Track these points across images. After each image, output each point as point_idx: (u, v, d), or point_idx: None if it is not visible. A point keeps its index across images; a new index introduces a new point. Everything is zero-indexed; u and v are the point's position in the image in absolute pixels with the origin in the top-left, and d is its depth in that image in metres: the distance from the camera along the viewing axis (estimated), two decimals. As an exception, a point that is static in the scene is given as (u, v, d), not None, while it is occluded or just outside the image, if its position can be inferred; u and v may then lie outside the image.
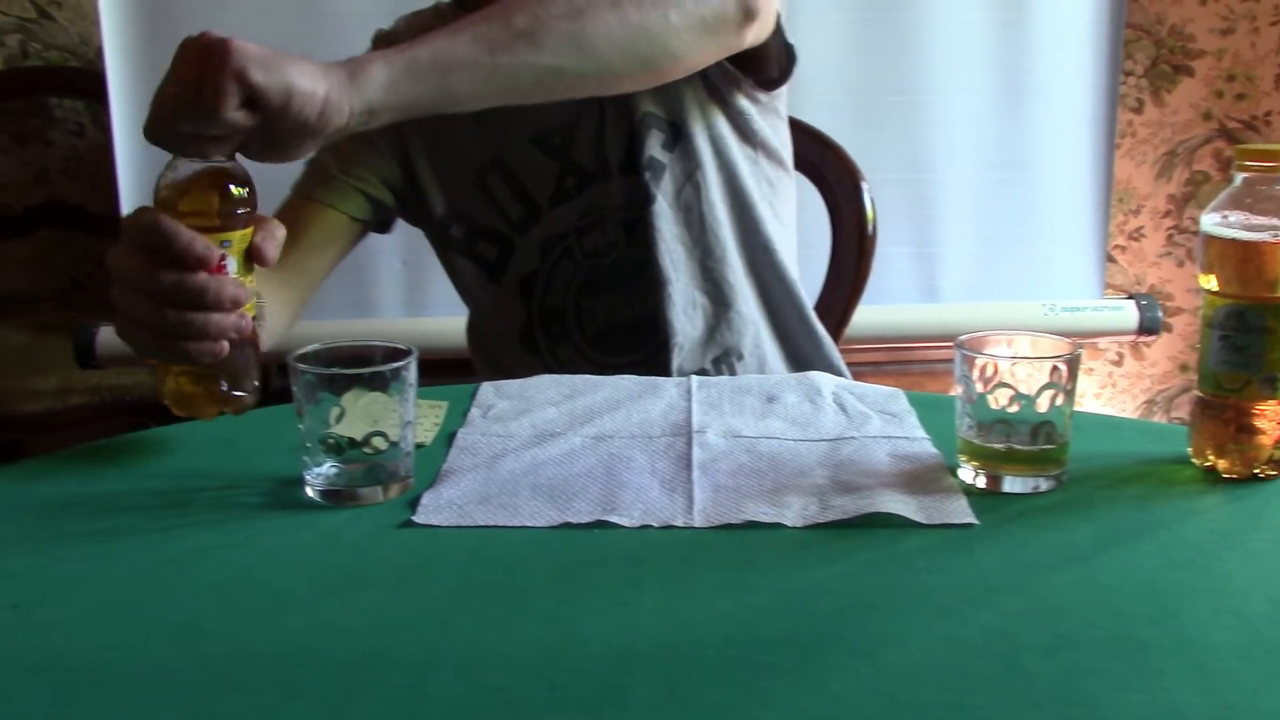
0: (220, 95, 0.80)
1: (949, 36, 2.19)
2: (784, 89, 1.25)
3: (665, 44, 1.02)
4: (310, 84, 0.84)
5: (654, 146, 1.18)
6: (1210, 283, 0.85)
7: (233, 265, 0.85)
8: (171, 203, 0.84)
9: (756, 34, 1.09)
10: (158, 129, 0.84)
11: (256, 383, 0.91)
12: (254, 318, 0.88)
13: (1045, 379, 0.82)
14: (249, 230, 0.86)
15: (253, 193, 0.86)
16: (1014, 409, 0.83)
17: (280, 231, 0.89)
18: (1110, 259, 2.48)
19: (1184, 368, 2.72)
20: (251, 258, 0.87)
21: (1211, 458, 0.86)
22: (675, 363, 1.20)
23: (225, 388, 0.89)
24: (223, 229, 0.85)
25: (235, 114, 0.82)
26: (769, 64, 1.18)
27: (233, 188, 0.85)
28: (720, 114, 1.21)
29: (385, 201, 1.24)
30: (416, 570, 0.73)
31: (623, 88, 1.09)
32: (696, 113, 1.19)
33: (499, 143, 1.23)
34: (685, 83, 1.18)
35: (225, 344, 0.85)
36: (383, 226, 1.28)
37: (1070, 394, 0.83)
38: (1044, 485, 0.84)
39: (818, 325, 1.29)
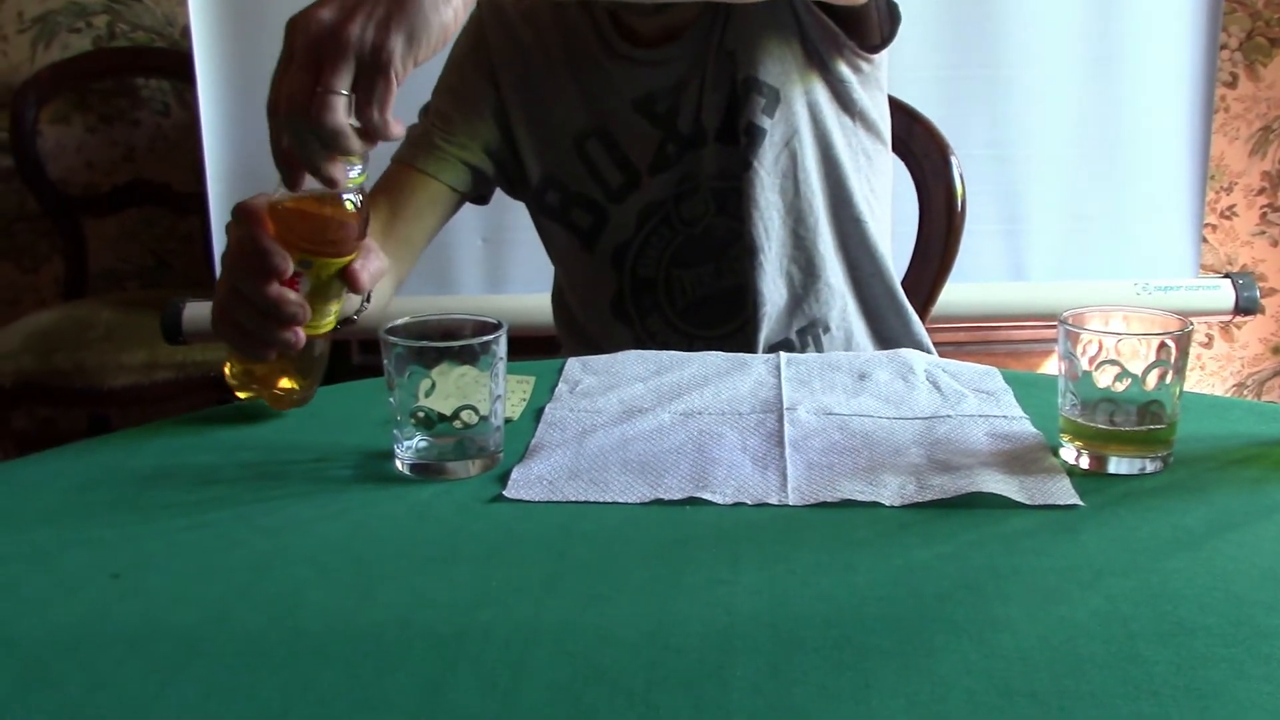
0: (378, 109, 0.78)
1: (1038, 7, 2.13)
2: (885, 57, 1.22)
3: None
4: (448, 11, 0.80)
5: (755, 112, 1.16)
6: (1329, 257, 0.81)
7: (306, 285, 0.86)
8: (277, 204, 0.85)
9: None
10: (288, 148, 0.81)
11: (300, 389, 0.93)
12: (324, 333, 0.91)
13: (1153, 356, 0.79)
14: (343, 259, 0.87)
15: (358, 223, 0.86)
16: (1120, 387, 0.80)
17: (377, 264, 0.90)
18: (1202, 238, 2.41)
19: (1276, 350, 2.65)
20: (343, 279, 0.88)
21: (1328, 440, 0.83)
22: (762, 332, 1.18)
23: (273, 383, 0.92)
24: (309, 250, 0.85)
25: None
26: (871, 28, 1.16)
27: (336, 212, 0.85)
28: (820, 80, 1.19)
29: (485, 170, 1.24)
30: (509, 545, 0.72)
31: None
32: (796, 78, 1.18)
33: (602, 110, 1.22)
34: (787, 47, 1.16)
35: (273, 351, 0.87)
36: (481, 199, 1.28)
37: (1180, 372, 0.80)
38: (1150, 467, 0.81)
39: (906, 303, 1.27)
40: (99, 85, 2.51)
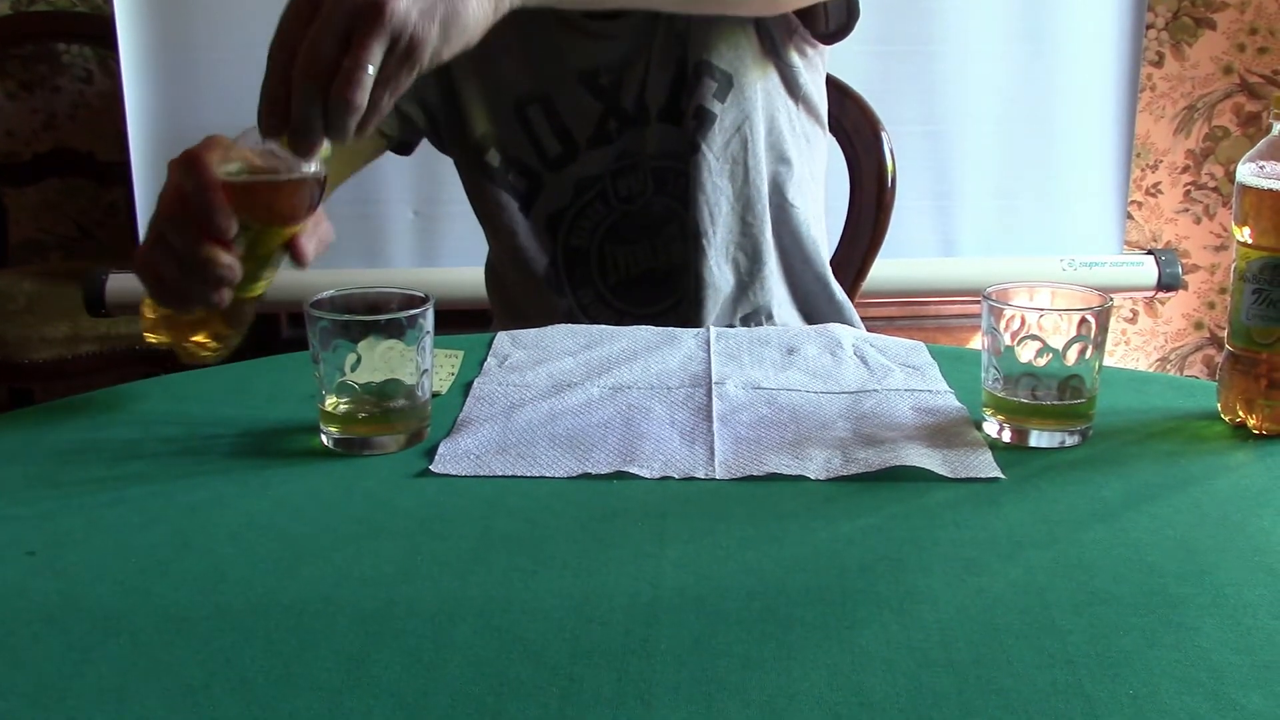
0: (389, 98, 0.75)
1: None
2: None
3: None
4: (482, 10, 0.79)
5: (705, 96, 1.16)
6: (1244, 234, 0.83)
7: (243, 244, 0.82)
8: (234, 162, 0.81)
9: None
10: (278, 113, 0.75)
11: (217, 347, 0.90)
12: (255, 296, 0.88)
13: (1074, 332, 0.81)
14: (289, 229, 0.84)
15: (310, 198, 0.84)
16: (1042, 362, 0.81)
17: (322, 237, 0.88)
18: (1127, 215, 2.46)
19: (1198, 325, 2.71)
20: (285, 249, 0.85)
21: (1241, 414, 0.85)
22: (709, 318, 1.18)
23: (187, 335, 0.89)
24: (256, 215, 0.82)
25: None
26: (818, 15, 1.16)
27: (293, 184, 0.82)
28: (772, 66, 1.19)
29: (415, 120, 1.22)
30: (434, 520, 0.72)
31: (766, 10, 1.09)
32: (751, 63, 1.17)
33: (546, 77, 1.21)
34: (744, 33, 1.16)
35: (192, 306, 0.84)
36: (405, 148, 1.26)
37: (1100, 347, 0.81)
38: (1070, 440, 0.83)
39: (837, 289, 1.27)
40: (18, 51, 2.45)
